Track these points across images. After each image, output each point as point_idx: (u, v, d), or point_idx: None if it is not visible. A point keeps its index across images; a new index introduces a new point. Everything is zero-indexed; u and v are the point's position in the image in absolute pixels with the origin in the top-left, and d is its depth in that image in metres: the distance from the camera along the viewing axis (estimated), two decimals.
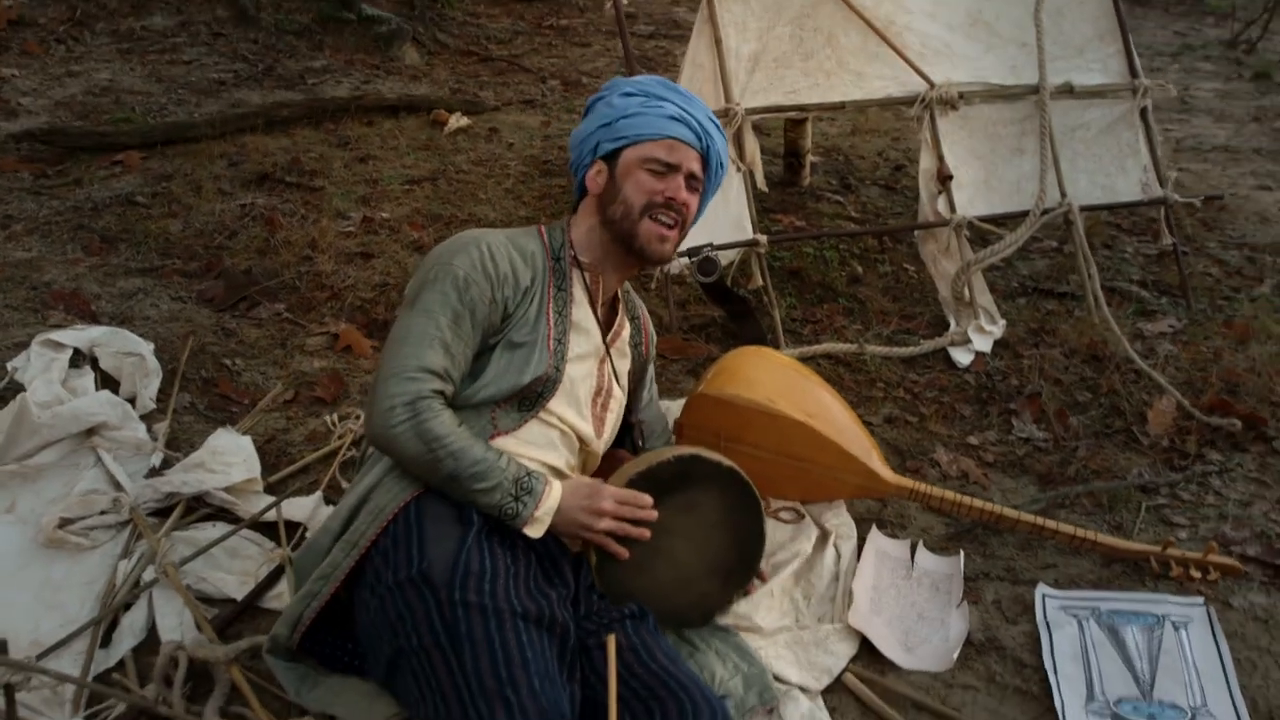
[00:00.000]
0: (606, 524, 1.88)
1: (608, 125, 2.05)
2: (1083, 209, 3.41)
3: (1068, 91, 3.48)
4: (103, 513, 2.38)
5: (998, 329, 3.30)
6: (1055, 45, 3.51)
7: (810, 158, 4.39)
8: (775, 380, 2.42)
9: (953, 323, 3.31)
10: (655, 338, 2.39)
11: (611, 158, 2.04)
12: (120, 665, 2.03)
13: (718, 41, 3.33)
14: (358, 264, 3.56)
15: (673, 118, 2.03)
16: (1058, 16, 3.54)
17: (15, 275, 3.34)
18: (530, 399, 1.94)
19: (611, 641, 1.56)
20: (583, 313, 2.05)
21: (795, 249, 3.77)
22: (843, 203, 4.30)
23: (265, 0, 6.53)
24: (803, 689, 2.00)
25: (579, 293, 2.05)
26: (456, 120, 4.92)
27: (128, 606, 2.16)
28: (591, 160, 2.07)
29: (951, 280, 3.34)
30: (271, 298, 3.36)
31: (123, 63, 5.63)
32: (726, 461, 2.02)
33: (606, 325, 2.13)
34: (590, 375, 2.06)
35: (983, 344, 3.21)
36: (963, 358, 3.17)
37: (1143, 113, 3.53)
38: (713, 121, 2.10)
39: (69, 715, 1.92)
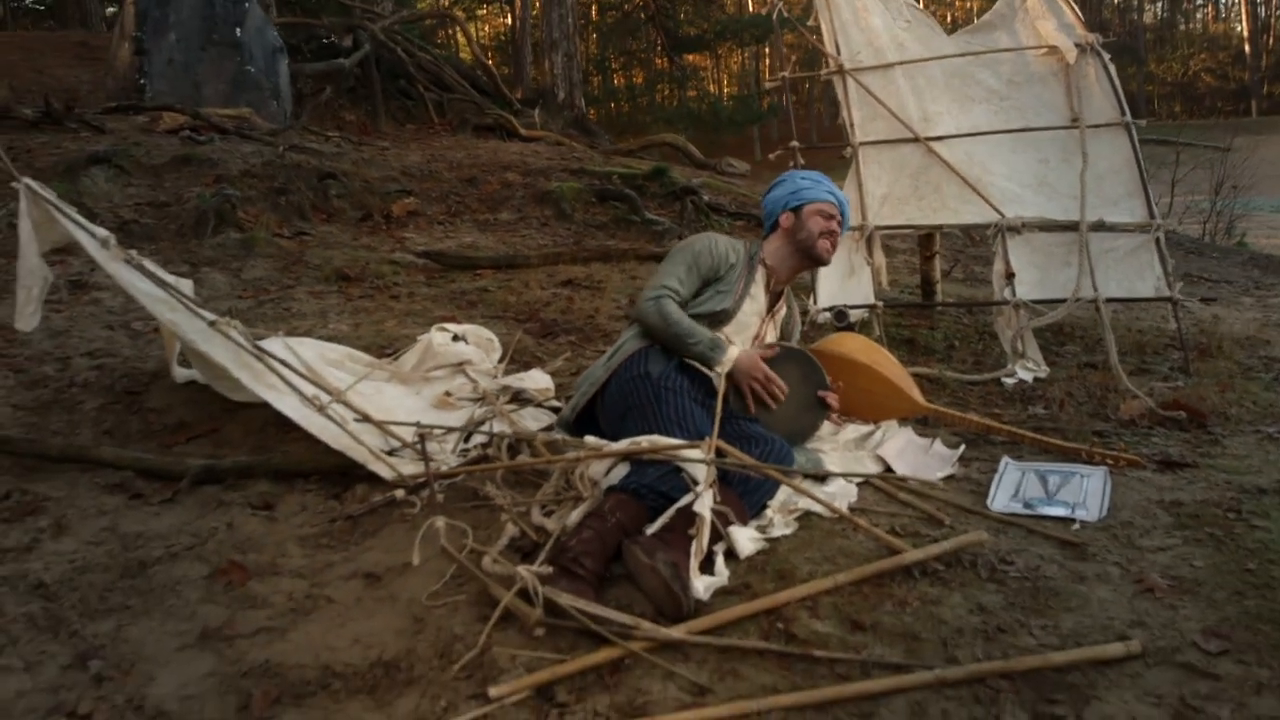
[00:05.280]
0: (756, 384, 3.23)
1: (795, 193, 3.55)
2: (1108, 300, 4.56)
3: (1102, 226, 4.71)
4: (469, 394, 3.94)
5: (1042, 371, 4.47)
6: (1096, 198, 4.76)
7: (942, 288, 5.71)
8: (856, 345, 3.73)
9: (1009, 366, 4.50)
10: (800, 322, 3.79)
11: (795, 210, 3.52)
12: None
13: (859, 185, 4.81)
14: (623, 322, 5.13)
15: (828, 191, 3.54)
16: (1099, 180, 4.80)
17: (420, 313, 5.08)
18: (716, 321, 3.36)
19: (723, 376, 2.95)
20: (758, 290, 3.47)
21: (913, 328, 5.09)
22: (960, 317, 5.57)
23: (578, 205, 8.53)
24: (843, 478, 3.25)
25: (759, 278, 3.49)
26: None
27: (479, 429, 3.66)
28: (783, 211, 3.55)
29: (1011, 340, 4.56)
30: (567, 333, 4.95)
31: (480, 234, 7.61)
32: (797, 346, 3.38)
33: (772, 304, 3.55)
34: (754, 325, 3.46)
35: (1026, 375, 4.40)
36: (1009, 381, 4.36)
37: (1157, 241, 4.70)
38: (844, 197, 3.58)
39: (449, 453, 3.40)
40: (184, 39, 10.08)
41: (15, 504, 2.98)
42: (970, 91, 5.04)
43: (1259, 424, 3.86)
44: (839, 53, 5.10)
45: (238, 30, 10.31)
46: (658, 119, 25.25)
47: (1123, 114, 4.83)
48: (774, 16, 5.29)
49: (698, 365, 3.24)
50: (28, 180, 3.30)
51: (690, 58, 30.83)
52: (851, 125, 5.00)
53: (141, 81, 9.91)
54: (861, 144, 4.92)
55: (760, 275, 3.49)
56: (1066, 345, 5.14)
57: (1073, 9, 4.99)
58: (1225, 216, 13.63)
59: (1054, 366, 4.61)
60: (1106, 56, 4.92)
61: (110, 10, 23.50)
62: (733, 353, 3.22)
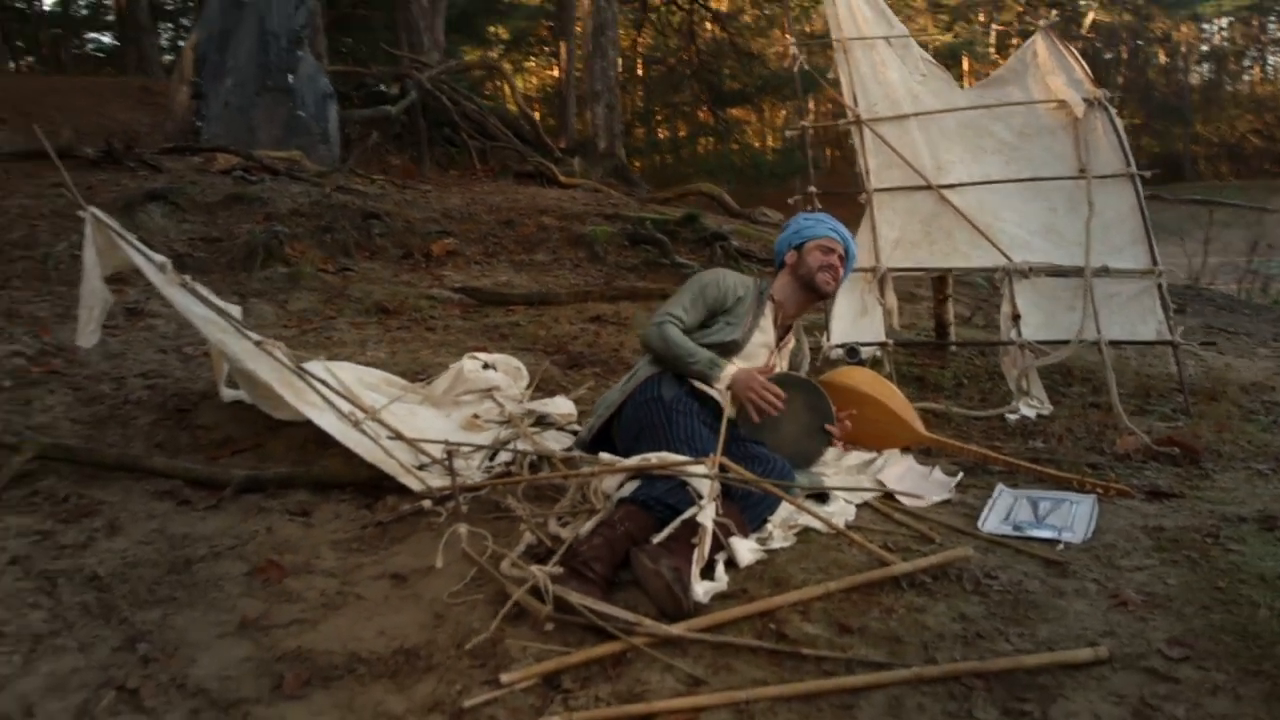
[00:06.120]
0: (753, 395, 3.39)
1: (797, 231, 3.74)
2: (1111, 342, 4.70)
3: (1106, 272, 4.86)
4: (496, 417, 4.15)
5: (1045, 408, 4.61)
6: (1101, 244, 4.91)
7: (955, 329, 5.86)
8: (863, 378, 3.90)
9: (1014, 403, 4.65)
10: (809, 355, 3.96)
11: (799, 247, 3.72)
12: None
13: (873, 229, 5.00)
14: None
15: (830, 228, 3.72)
16: (1105, 229, 4.96)
17: (453, 344, 5.31)
18: (726, 351, 3.53)
19: (728, 401, 3.13)
20: (767, 324, 3.66)
21: (924, 366, 5.25)
22: (973, 358, 5.72)
23: (610, 248, 8.78)
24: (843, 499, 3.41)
25: (768, 312, 3.67)
26: None
27: (505, 446, 3.85)
28: (788, 249, 3.75)
29: (1016, 378, 4.71)
30: (592, 365, 5.16)
31: (516, 273, 7.87)
32: (804, 376, 3.56)
33: (780, 337, 3.73)
34: (762, 356, 3.64)
35: (1029, 412, 4.54)
36: (1011, 417, 4.50)
37: (1159, 288, 4.84)
38: (848, 235, 3.76)
39: (475, 469, 3.60)
40: (240, 84, 10.49)
41: (73, 506, 3.21)
42: (982, 142, 5.23)
43: (1250, 461, 3.98)
44: (857, 104, 5.32)
45: (290, 77, 10.72)
46: (699, 170, 25.56)
47: (1128, 165, 4.99)
48: (795, 70, 5.52)
49: (704, 388, 3.43)
50: (93, 209, 3.57)
51: (733, 111, 31.22)
52: (867, 172, 5.20)
53: (198, 124, 10.32)
54: (876, 190, 5.12)
55: (769, 310, 3.67)
56: (1073, 386, 5.26)
57: (1081, 65, 5.18)
58: (1261, 275, 13.62)
59: (1058, 406, 4.75)
60: (1113, 111, 5.09)
61: (168, 58, 24.29)
62: (730, 370, 3.41)
